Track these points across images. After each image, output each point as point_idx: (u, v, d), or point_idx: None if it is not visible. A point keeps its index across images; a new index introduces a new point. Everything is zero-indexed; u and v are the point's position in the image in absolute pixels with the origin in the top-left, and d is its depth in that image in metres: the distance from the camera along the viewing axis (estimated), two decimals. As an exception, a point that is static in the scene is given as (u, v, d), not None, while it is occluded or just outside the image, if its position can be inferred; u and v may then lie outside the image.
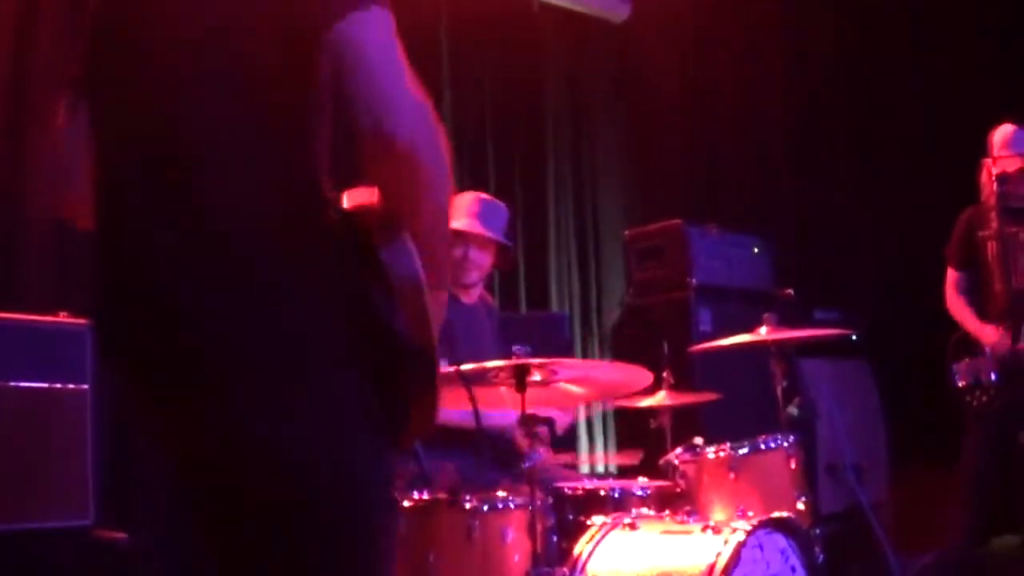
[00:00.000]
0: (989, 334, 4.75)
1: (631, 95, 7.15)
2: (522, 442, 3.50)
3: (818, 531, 3.54)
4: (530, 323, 5.56)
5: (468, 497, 3.19)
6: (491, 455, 3.69)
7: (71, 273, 4.24)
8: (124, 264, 1.70)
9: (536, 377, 3.14)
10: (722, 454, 3.55)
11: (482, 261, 4.02)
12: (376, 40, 1.64)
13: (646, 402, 3.88)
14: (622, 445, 5.98)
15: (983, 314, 4.83)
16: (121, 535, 3.54)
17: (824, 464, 5.27)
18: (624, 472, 4.56)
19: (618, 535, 3.19)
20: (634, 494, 3.45)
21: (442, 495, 3.19)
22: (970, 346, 4.82)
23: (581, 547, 3.15)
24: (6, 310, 3.53)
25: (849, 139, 6.83)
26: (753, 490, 3.51)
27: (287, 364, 1.62)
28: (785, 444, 3.59)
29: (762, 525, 3.12)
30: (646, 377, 3.26)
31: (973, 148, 5.00)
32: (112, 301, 1.72)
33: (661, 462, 3.67)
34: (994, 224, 4.83)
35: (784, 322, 3.95)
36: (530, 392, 3.11)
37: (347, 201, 1.74)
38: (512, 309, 6.03)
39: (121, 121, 1.74)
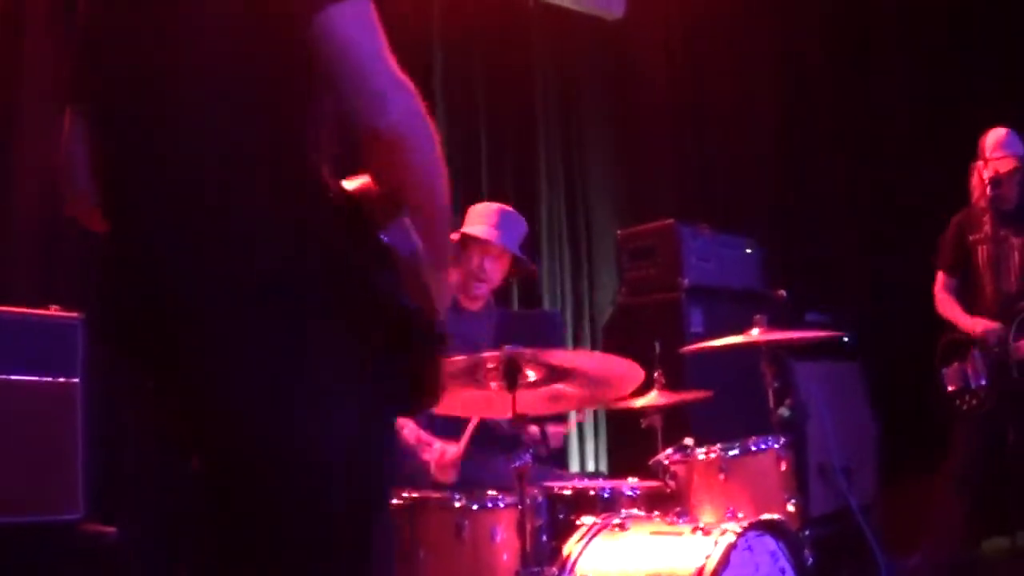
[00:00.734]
0: (979, 324, 4.76)
1: (624, 94, 7.14)
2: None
3: (808, 533, 3.54)
4: (523, 320, 5.53)
5: (458, 496, 3.19)
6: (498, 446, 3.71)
7: (61, 267, 4.23)
8: (124, 254, 1.73)
9: (530, 376, 3.14)
10: (712, 455, 3.55)
11: (494, 272, 4.03)
12: (356, 29, 1.65)
13: (637, 402, 3.88)
14: (613, 446, 5.98)
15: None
16: (110, 529, 3.53)
17: (815, 466, 5.26)
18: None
19: (607, 536, 3.18)
20: (624, 494, 3.44)
21: (433, 494, 3.19)
22: (959, 349, 4.84)
23: (570, 547, 3.14)
24: (-4, 304, 3.53)
25: (842, 141, 6.85)
26: (743, 491, 3.51)
27: (288, 345, 1.65)
28: (775, 446, 3.59)
29: (752, 527, 3.11)
30: (637, 372, 3.24)
31: (964, 151, 5.02)
32: (112, 291, 1.75)
33: (651, 462, 3.66)
34: (986, 227, 4.85)
35: (775, 324, 3.95)
36: (521, 394, 3.10)
37: (347, 186, 1.79)
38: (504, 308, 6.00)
39: (112, 118, 1.78)
